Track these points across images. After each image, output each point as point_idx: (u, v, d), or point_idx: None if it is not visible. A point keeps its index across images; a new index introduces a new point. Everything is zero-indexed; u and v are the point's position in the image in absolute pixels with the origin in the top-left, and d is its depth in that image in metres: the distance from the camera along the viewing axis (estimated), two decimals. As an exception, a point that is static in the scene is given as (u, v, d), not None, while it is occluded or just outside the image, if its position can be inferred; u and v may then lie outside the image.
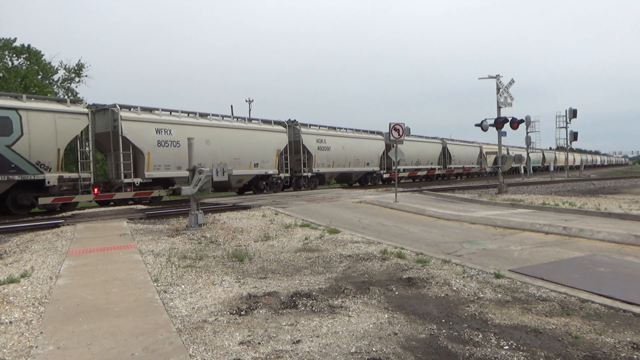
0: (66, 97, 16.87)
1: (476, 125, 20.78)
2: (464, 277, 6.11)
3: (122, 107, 17.70)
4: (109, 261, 7.44)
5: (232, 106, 61.34)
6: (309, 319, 4.62)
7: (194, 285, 5.96)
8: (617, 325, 4.39)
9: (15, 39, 32.95)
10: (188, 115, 20.29)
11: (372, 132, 32.42)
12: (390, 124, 15.91)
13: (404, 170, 34.52)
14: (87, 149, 16.74)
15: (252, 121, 23.81)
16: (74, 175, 16.07)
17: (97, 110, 17.87)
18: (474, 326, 4.39)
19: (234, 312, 4.88)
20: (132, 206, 17.98)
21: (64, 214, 15.19)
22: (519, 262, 7.04)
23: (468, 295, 5.37)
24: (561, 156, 61.53)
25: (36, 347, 4.01)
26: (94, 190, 16.67)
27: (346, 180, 31.34)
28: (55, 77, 35.75)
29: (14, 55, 33.18)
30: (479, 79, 20.62)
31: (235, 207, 14.95)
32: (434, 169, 39.21)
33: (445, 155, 41.24)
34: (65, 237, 9.92)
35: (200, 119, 20.61)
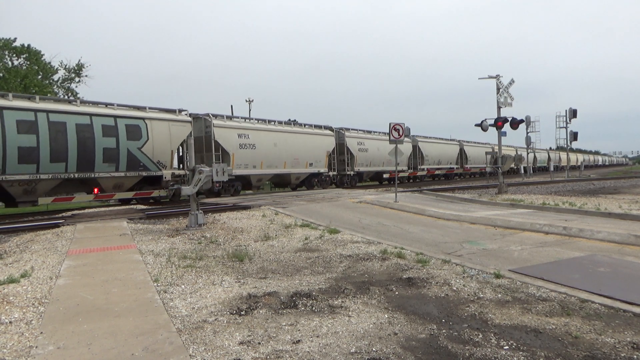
0: (146, 106, 18.17)
1: (476, 125, 20.79)
2: (464, 277, 6.11)
3: (213, 115, 21.12)
4: (109, 261, 7.44)
5: (232, 106, 61.37)
6: (309, 319, 4.62)
7: (194, 285, 5.96)
8: (617, 325, 4.39)
9: (15, 38, 32.98)
10: (258, 121, 24.02)
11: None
12: (390, 124, 15.91)
13: (424, 169, 36.11)
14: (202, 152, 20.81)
15: (306, 126, 26.97)
16: (181, 172, 19.10)
17: (194, 119, 20.64)
18: (474, 326, 4.39)
19: (234, 312, 4.88)
20: (132, 206, 17.99)
21: (64, 214, 15.19)
22: (519, 262, 7.04)
23: (468, 295, 5.37)
24: (565, 156, 61.40)
25: (36, 347, 4.01)
26: (94, 191, 16.67)
27: (378, 178, 33.85)
28: (55, 77, 35.78)
29: (14, 55, 33.18)
30: (479, 79, 20.65)
31: (235, 207, 14.95)
32: (453, 168, 40.53)
33: (462, 156, 42.70)
34: (65, 237, 9.92)
35: (269, 125, 24.17)
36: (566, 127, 40.18)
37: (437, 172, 38.10)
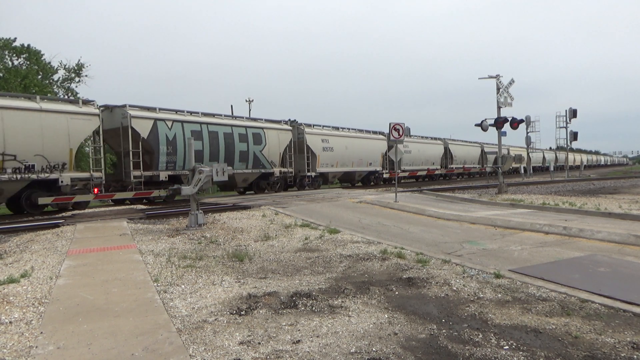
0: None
1: (476, 125, 20.80)
2: (464, 277, 6.11)
3: (305, 125, 26.30)
4: (109, 261, 7.44)
5: (232, 106, 61.40)
6: (309, 319, 4.62)
7: (194, 285, 5.96)
8: (617, 325, 4.39)
9: (15, 38, 32.96)
10: (332, 128, 28.53)
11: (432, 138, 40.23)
12: (390, 124, 15.91)
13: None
14: (291, 152, 25.00)
15: (364, 132, 31.54)
16: (285, 169, 24.48)
17: (293, 127, 25.50)
18: (474, 326, 4.39)
19: (234, 312, 4.88)
20: (132, 206, 17.99)
21: (64, 214, 15.19)
22: (519, 262, 7.04)
23: (468, 295, 5.37)
24: (571, 156, 61.03)
25: (36, 347, 4.01)
26: (94, 190, 16.67)
27: (416, 178, 37.16)
28: (55, 77, 35.78)
29: (14, 55, 33.18)
30: (479, 78, 20.65)
31: (235, 207, 14.95)
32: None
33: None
34: (65, 237, 9.92)
35: (341, 132, 29.16)
36: (566, 127, 40.19)
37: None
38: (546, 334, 4.18)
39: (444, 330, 4.28)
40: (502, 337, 4.10)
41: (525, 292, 5.47)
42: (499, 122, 20.05)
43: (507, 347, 3.91)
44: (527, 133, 37.27)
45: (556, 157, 64.51)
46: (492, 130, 20.74)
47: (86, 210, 16.32)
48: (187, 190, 10.84)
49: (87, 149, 21.03)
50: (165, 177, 18.68)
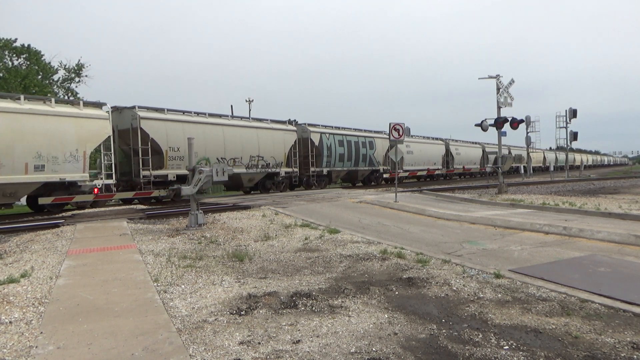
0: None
1: (476, 125, 20.79)
2: (464, 277, 6.12)
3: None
4: (109, 261, 7.44)
5: (232, 106, 61.36)
6: (309, 319, 4.62)
7: (194, 285, 5.96)
8: (617, 325, 4.39)
9: (16, 39, 32.97)
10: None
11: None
12: (390, 124, 15.91)
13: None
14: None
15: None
16: (386, 167, 31.95)
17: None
18: (474, 326, 4.39)
19: (234, 312, 4.88)
20: (132, 206, 17.99)
21: (64, 214, 15.19)
22: (519, 262, 7.04)
23: (468, 295, 5.37)
24: (578, 157, 60.78)
25: (36, 347, 4.01)
26: (94, 191, 16.67)
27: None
28: (55, 77, 35.78)
29: (14, 55, 33.18)
30: (479, 79, 20.66)
31: (235, 207, 14.95)
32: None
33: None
34: (65, 237, 9.92)
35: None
36: (566, 127, 40.21)
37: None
38: (546, 334, 4.18)
39: (444, 330, 4.28)
40: (502, 337, 4.10)
41: (525, 292, 5.47)
42: (499, 122, 20.05)
43: (507, 347, 3.91)
44: (527, 133, 37.27)
45: (556, 157, 64.56)
46: (492, 130, 20.75)
47: (86, 210, 16.32)
48: (187, 190, 10.84)
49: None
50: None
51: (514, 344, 3.97)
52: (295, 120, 26.23)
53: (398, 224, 11.32)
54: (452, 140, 43.69)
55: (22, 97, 14.70)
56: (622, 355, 3.72)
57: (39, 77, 33.37)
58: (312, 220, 11.70)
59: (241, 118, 23.60)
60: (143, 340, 4.12)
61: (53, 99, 16.04)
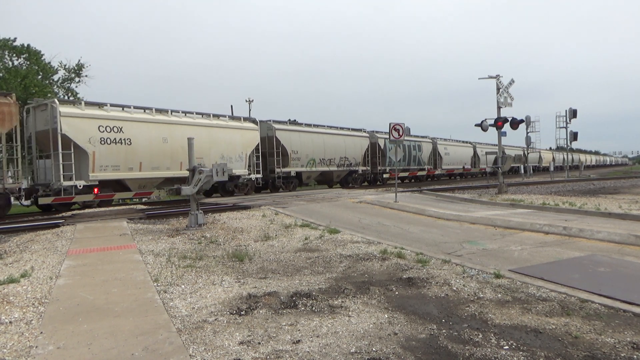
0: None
1: (476, 125, 20.80)
2: (464, 277, 6.12)
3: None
4: (109, 261, 7.44)
5: (232, 106, 61.38)
6: (309, 319, 4.62)
7: (194, 285, 5.96)
8: (617, 325, 4.39)
9: (15, 38, 32.93)
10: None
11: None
12: (390, 124, 15.91)
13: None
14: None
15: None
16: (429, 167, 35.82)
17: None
18: (474, 326, 4.39)
19: (234, 312, 4.88)
20: (132, 206, 17.99)
21: (64, 214, 15.19)
22: (519, 262, 7.04)
23: (468, 295, 5.37)
24: (583, 157, 60.83)
25: (36, 347, 4.01)
26: (94, 190, 16.68)
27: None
28: (55, 77, 35.75)
29: (14, 55, 33.16)
30: (479, 79, 20.66)
31: (235, 207, 14.95)
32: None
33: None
34: (65, 237, 9.92)
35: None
36: (566, 127, 40.16)
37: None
38: (546, 334, 4.18)
39: (444, 330, 4.28)
40: (502, 337, 4.10)
41: (525, 292, 5.47)
42: (499, 122, 20.05)
43: (507, 347, 3.91)
44: (527, 133, 37.27)
45: (565, 157, 64.81)
46: (492, 130, 20.75)
47: (86, 210, 16.31)
48: (187, 190, 10.84)
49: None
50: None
51: (514, 344, 3.97)
52: (365, 129, 31.87)
53: (398, 224, 11.32)
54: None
55: (211, 114, 21.23)
56: (622, 355, 3.72)
57: (39, 77, 33.35)
58: (312, 220, 11.70)
59: (330, 127, 28.89)
60: (143, 340, 4.12)
61: (227, 116, 22.35)
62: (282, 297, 5.32)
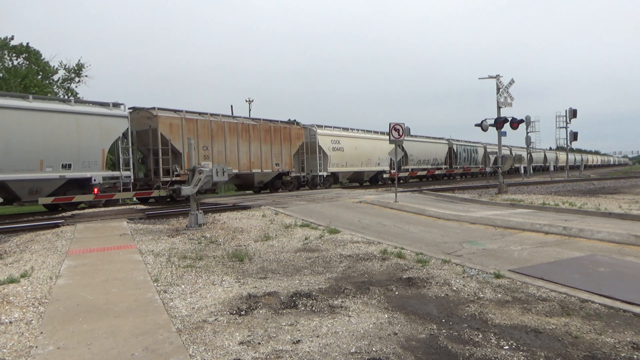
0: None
1: (476, 125, 20.80)
2: (464, 277, 6.11)
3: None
4: (109, 261, 7.44)
5: (232, 106, 61.38)
6: (309, 319, 4.62)
7: (194, 285, 5.96)
8: (617, 325, 4.39)
9: (13, 37, 32.85)
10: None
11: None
12: (390, 124, 15.91)
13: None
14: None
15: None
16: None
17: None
18: (474, 326, 4.39)
19: (234, 312, 4.88)
20: (132, 206, 17.99)
21: (64, 214, 15.19)
22: (519, 262, 7.04)
23: (468, 295, 5.37)
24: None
25: (36, 347, 4.01)
26: (94, 191, 16.68)
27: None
28: (55, 77, 35.75)
29: (14, 55, 33.13)
30: (479, 79, 20.65)
31: (235, 207, 14.95)
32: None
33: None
34: (65, 237, 9.92)
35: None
36: (566, 127, 40.19)
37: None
38: (546, 334, 4.18)
39: (444, 330, 4.28)
40: (502, 337, 4.10)
41: (525, 292, 5.47)
42: (499, 122, 20.06)
43: (507, 347, 3.91)
44: (527, 133, 37.28)
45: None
46: (492, 130, 20.75)
47: (86, 210, 16.31)
48: (187, 190, 10.84)
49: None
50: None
51: (514, 344, 3.97)
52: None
53: (398, 224, 11.32)
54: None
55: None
56: (622, 355, 3.72)
57: (39, 77, 33.34)
58: (312, 220, 11.70)
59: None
60: (143, 340, 4.12)
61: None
62: (282, 297, 5.32)
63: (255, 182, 22.98)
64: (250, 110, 49.47)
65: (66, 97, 33.74)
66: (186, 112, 19.66)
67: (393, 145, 15.88)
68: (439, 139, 41.13)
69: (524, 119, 21.31)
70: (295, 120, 26.77)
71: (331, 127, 28.63)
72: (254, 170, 22.34)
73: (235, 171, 20.89)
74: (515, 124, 20.40)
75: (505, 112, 20.74)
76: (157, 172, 18.56)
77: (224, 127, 20.91)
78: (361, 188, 28.62)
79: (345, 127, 30.00)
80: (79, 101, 18.40)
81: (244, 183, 23.64)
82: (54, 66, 35.04)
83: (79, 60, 35.73)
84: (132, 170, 17.47)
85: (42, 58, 34.22)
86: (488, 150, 47.75)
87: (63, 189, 15.68)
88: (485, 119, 20.58)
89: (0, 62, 32.26)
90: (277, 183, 24.35)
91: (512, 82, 19.98)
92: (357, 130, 31.33)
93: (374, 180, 32.54)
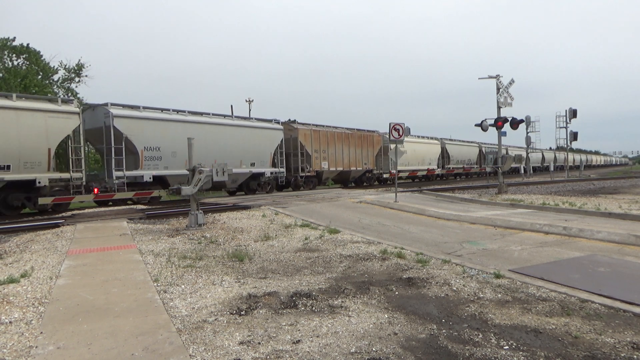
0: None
1: (476, 125, 20.80)
2: (464, 277, 6.11)
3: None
4: (109, 261, 7.44)
5: (232, 106, 61.41)
6: (309, 319, 4.62)
7: (194, 285, 5.96)
8: (617, 325, 4.39)
9: (14, 38, 32.89)
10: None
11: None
12: (390, 124, 15.91)
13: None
14: None
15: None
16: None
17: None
18: (474, 326, 4.39)
19: (234, 312, 4.88)
20: (132, 206, 17.99)
21: (64, 214, 15.19)
22: (519, 262, 7.04)
23: (468, 295, 5.37)
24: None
25: (36, 347, 4.01)
26: (94, 191, 16.68)
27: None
28: (55, 77, 35.74)
29: (14, 55, 33.13)
30: (479, 79, 20.65)
31: (235, 207, 14.95)
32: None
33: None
34: (65, 237, 9.92)
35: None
36: (566, 127, 40.16)
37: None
38: (546, 334, 4.18)
39: (444, 330, 4.28)
40: (502, 337, 4.10)
41: (525, 292, 5.47)
42: (499, 122, 20.05)
43: (507, 347, 3.91)
44: (527, 133, 37.26)
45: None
46: (492, 130, 20.75)
47: (86, 210, 16.32)
48: (187, 190, 10.84)
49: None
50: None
51: (514, 344, 3.97)
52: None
53: (398, 224, 11.32)
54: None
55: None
56: (622, 355, 3.72)
57: (39, 77, 33.33)
58: (312, 220, 11.70)
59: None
60: (143, 340, 4.12)
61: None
62: (282, 297, 5.32)
63: (350, 177, 29.60)
64: (250, 110, 49.51)
65: (66, 97, 33.74)
66: (313, 125, 27.13)
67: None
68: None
69: (524, 119, 21.31)
70: (376, 130, 32.30)
71: (414, 135, 35.51)
72: (351, 168, 28.86)
73: (340, 169, 28.00)
74: (515, 124, 20.40)
75: (505, 112, 20.75)
76: (297, 169, 25.45)
77: (334, 136, 27.87)
78: (361, 188, 28.62)
79: (420, 135, 37.40)
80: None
81: (342, 178, 30.05)
82: (54, 66, 35.04)
83: (79, 60, 35.74)
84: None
85: (42, 58, 34.22)
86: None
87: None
88: (485, 119, 20.58)
89: (0, 62, 32.26)
90: (364, 178, 30.61)
91: (512, 82, 19.98)
92: (416, 136, 36.84)
93: (426, 177, 37.92)
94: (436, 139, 40.10)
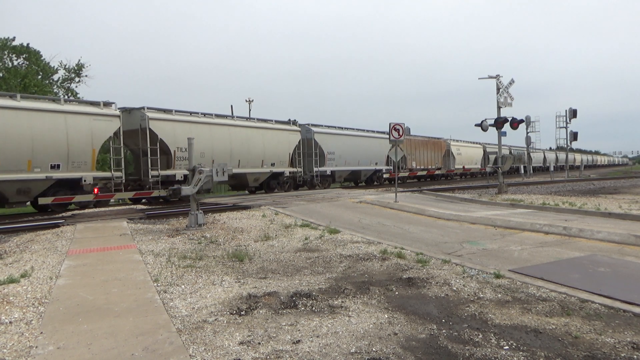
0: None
1: (476, 125, 20.80)
2: (464, 277, 6.11)
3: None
4: (109, 261, 7.44)
5: (232, 106, 61.43)
6: (309, 319, 4.62)
7: (194, 285, 5.96)
8: (617, 325, 4.39)
9: (14, 37, 32.92)
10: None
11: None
12: (390, 124, 15.92)
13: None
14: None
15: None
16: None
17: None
18: (474, 326, 4.39)
19: (234, 312, 4.88)
20: (132, 206, 17.99)
21: (64, 214, 15.18)
22: (519, 262, 7.04)
23: (468, 295, 5.37)
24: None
25: (36, 347, 4.01)
26: (94, 191, 16.67)
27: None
28: (55, 77, 35.76)
29: (14, 55, 33.15)
30: (479, 79, 20.65)
31: (235, 207, 14.95)
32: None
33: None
34: (65, 237, 9.92)
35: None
36: (566, 127, 40.18)
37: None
38: (546, 334, 4.18)
39: (444, 330, 4.28)
40: (502, 337, 4.10)
41: (525, 292, 5.47)
42: (499, 122, 20.06)
43: (507, 347, 3.91)
44: (527, 133, 37.26)
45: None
46: (493, 130, 20.75)
47: (86, 210, 16.31)
48: (187, 190, 10.84)
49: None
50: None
51: (514, 344, 3.97)
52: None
53: (398, 224, 11.32)
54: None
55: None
56: (622, 355, 3.72)
57: (39, 77, 33.34)
58: (312, 220, 11.70)
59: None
60: (143, 340, 4.12)
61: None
62: (282, 297, 5.32)
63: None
64: (250, 110, 49.52)
65: (66, 97, 33.73)
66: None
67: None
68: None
69: (524, 119, 21.30)
70: (442, 137, 38.70)
71: (459, 140, 43.40)
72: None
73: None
74: (515, 124, 20.39)
75: (505, 112, 20.75)
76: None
77: (417, 142, 35.46)
78: (361, 188, 28.62)
79: (465, 140, 44.52)
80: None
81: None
82: (54, 66, 35.07)
83: (79, 60, 35.78)
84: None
85: (42, 58, 34.24)
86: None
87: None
88: (485, 119, 20.58)
89: (0, 62, 32.27)
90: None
91: (512, 82, 19.97)
92: (464, 141, 44.81)
93: (472, 174, 45.61)
94: (479, 143, 47.58)
